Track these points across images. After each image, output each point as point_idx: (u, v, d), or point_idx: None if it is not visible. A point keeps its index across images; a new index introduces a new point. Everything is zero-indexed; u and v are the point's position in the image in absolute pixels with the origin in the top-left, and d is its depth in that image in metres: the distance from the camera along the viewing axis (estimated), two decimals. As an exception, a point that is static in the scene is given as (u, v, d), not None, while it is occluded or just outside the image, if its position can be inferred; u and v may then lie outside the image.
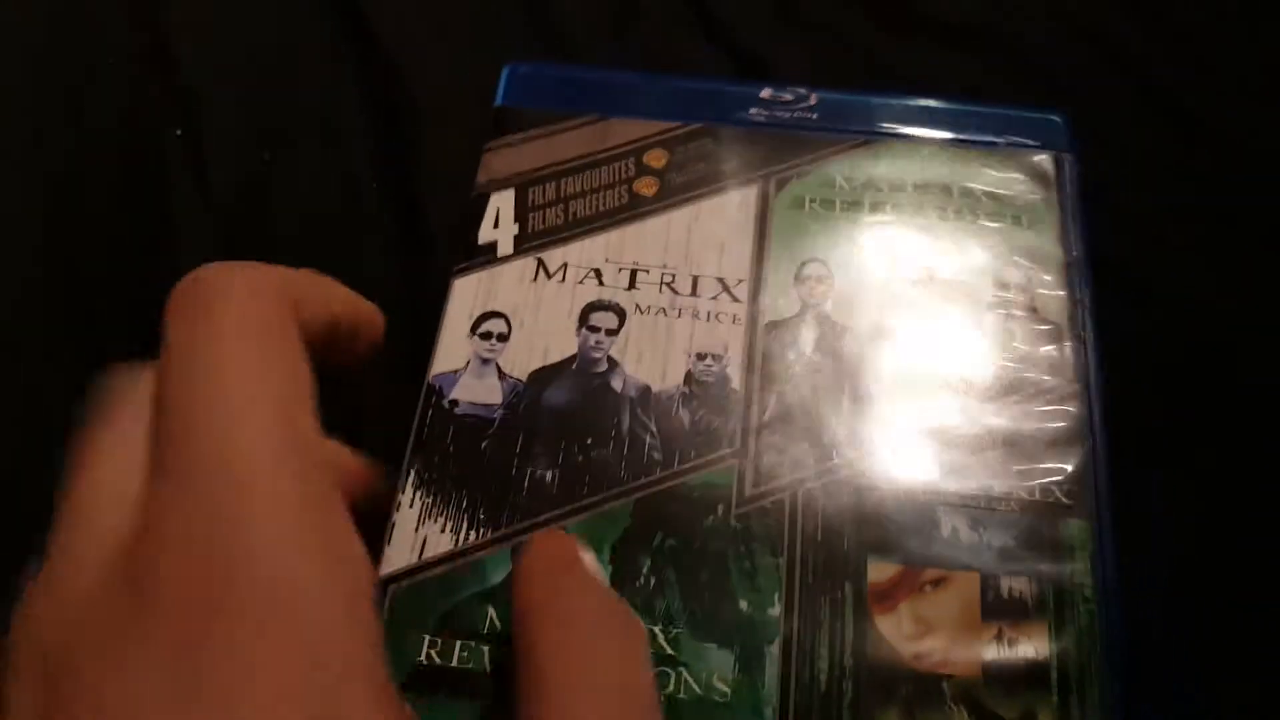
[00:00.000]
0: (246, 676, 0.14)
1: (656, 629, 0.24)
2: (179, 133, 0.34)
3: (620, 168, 0.31)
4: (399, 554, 0.25)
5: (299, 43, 0.37)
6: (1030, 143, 0.31)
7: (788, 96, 0.32)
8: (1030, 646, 0.23)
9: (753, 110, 0.32)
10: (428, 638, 0.24)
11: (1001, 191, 0.30)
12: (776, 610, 0.24)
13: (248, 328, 0.17)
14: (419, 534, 0.25)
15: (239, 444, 0.16)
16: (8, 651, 0.15)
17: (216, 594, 0.14)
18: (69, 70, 0.37)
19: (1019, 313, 0.28)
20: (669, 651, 0.23)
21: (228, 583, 0.14)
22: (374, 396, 0.29)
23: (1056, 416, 0.26)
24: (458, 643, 0.24)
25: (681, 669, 0.23)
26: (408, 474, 0.26)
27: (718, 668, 0.23)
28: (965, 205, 0.30)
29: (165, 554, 0.15)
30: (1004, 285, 0.28)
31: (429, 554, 0.25)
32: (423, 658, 0.23)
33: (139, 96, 0.36)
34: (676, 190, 0.30)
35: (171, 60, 0.36)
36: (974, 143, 0.31)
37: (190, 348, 0.17)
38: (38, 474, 0.29)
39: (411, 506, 0.26)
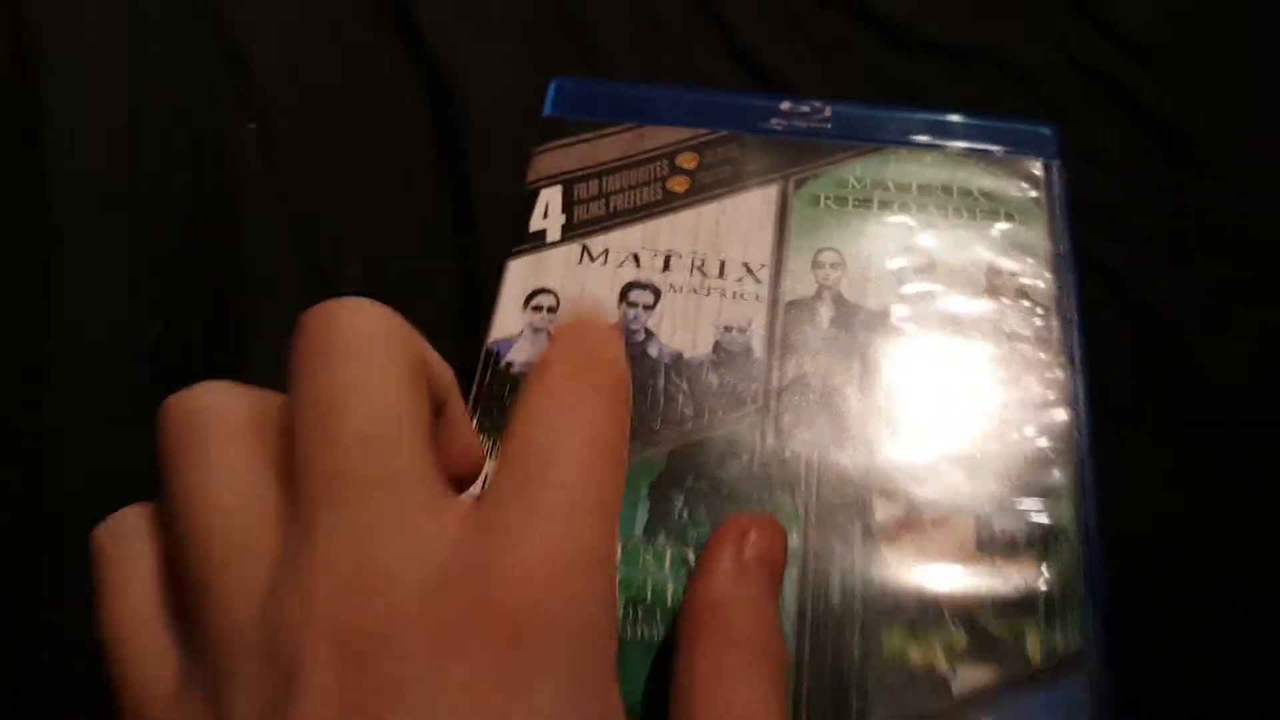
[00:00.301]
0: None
1: (690, 553, 0.27)
2: (253, 126, 0.38)
3: (655, 168, 0.35)
4: (471, 490, 0.28)
5: (358, 51, 0.41)
6: (1023, 151, 0.34)
7: (805, 109, 0.36)
8: (1020, 577, 0.27)
9: (774, 120, 0.36)
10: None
11: (996, 192, 0.33)
12: (795, 542, 0.27)
13: (409, 370, 0.19)
14: (484, 471, 0.28)
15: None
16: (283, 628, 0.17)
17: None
18: (147, 72, 0.41)
19: (1010, 296, 0.31)
20: (701, 576, 0.27)
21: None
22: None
23: (1045, 384, 0.30)
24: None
25: (712, 590, 0.26)
26: (473, 422, 0.29)
27: (744, 589, 0.26)
28: (963, 204, 0.33)
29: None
30: (997, 272, 0.32)
31: (488, 491, 0.28)
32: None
33: (213, 97, 0.40)
34: (706, 188, 0.34)
35: (243, 63, 0.40)
36: (972, 150, 0.34)
37: (362, 381, 0.19)
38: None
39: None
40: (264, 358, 0.33)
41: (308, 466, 0.18)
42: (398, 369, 0.19)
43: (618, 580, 0.26)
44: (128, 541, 0.20)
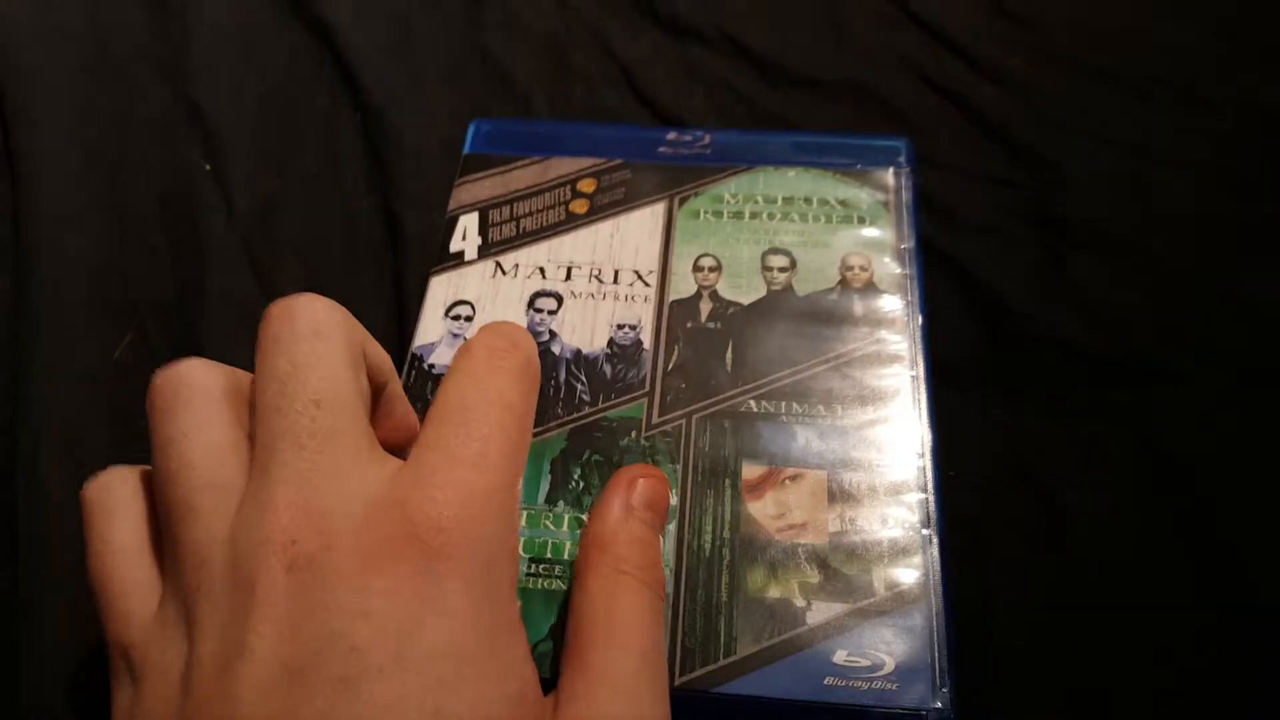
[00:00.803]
0: None
1: (583, 516, 0.31)
2: (208, 167, 0.43)
3: (560, 193, 0.40)
4: (387, 473, 0.33)
5: (300, 94, 0.46)
6: (877, 163, 0.40)
7: (688, 137, 0.41)
8: (867, 523, 0.31)
9: (661, 148, 0.41)
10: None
11: (851, 200, 0.38)
12: (674, 500, 0.31)
13: (351, 352, 0.24)
14: (403, 458, 0.33)
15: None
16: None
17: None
18: (111, 118, 0.45)
19: (860, 285, 0.36)
20: (592, 533, 0.31)
21: None
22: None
23: (890, 357, 0.34)
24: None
25: (601, 544, 0.31)
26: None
27: (628, 541, 0.31)
28: (822, 211, 0.38)
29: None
30: (849, 267, 0.37)
31: (410, 472, 0.33)
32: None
33: (174, 139, 0.44)
34: (603, 208, 0.39)
35: (196, 107, 0.45)
36: (832, 164, 0.39)
37: (313, 358, 0.23)
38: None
39: (397, 441, 0.33)
40: (217, 356, 0.37)
41: (267, 424, 0.22)
42: (342, 350, 0.24)
43: (519, 526, 0.31)
44: (112, 492, 0.24)
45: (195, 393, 0.24)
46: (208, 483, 0.22)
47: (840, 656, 0.28)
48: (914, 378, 0.34)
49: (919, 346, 0.35)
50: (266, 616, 0.20)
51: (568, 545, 0.31)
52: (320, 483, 0.21)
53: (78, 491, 0.35)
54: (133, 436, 0.36)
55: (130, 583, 0.23)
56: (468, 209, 0.40)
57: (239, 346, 0.38)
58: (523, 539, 0.31)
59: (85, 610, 0.31)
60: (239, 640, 0.20)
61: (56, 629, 0.32)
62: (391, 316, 0.38)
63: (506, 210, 0.39)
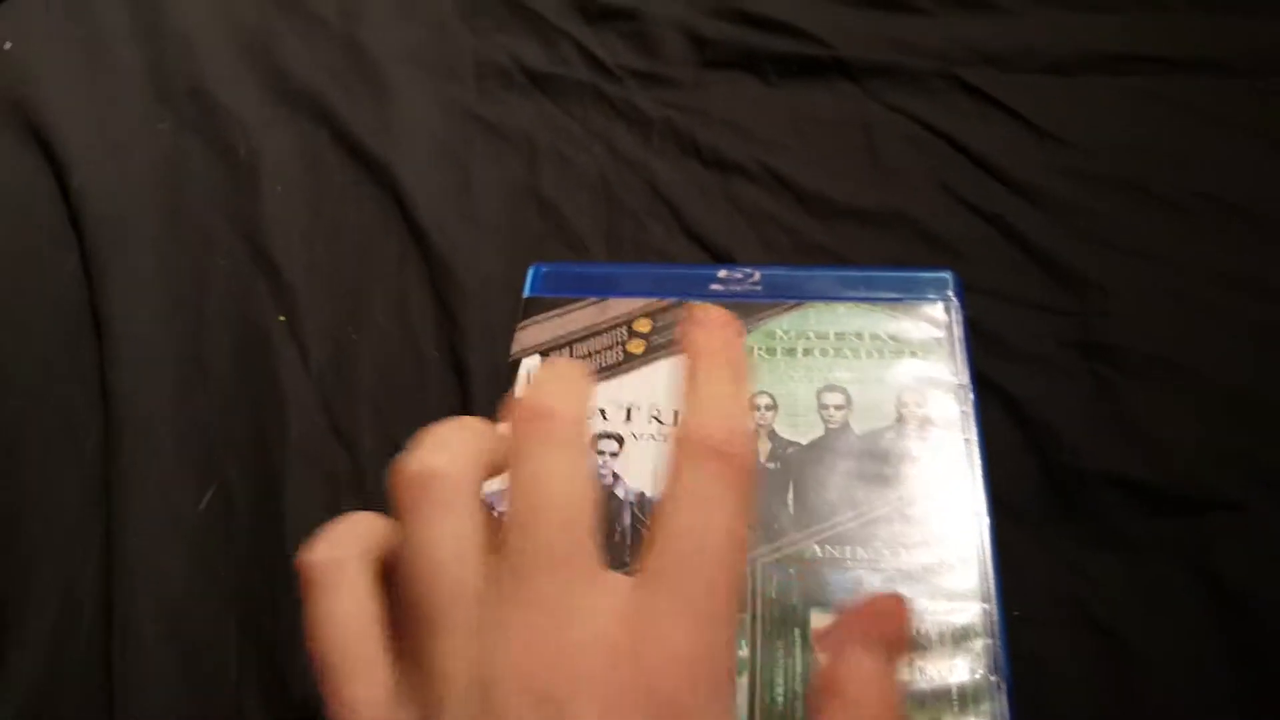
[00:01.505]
0: None
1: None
2: (282, 319, 0.45)
3: (616, 334, 0.41)
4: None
5: (370, 247, 0.48)
6: (925, 294, 0.40)
7: (739, 275, 0.42)
8: (936, 671, 0.31)
9: (713, 286, 0.42)
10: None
11: (902, 334, 0.39)
12: (744, 651, 0.32)
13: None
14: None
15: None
16: None
17: None
18: (192, 276, 0.48)
19: (917, 423, 0.37)
20: (663, 686, 0.31)
21: None
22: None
23: (951, 498, 0.35)
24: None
25: (672, 698, 0.31)
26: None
27: (699, 695, 0.31)
28: (874, 346, 0.39)
29: None
30: (905, 404, 0.37)
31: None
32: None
33: (249, 293, 0.47)
34: (659, 348, 0.40)
35: (270, 260, 0.48)
36: (881, 299, 0.40)
37: (564, 471, 0.23)
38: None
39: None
40: (299, 511, 0.39)
41: (516, 540, 0.22)
42: (584, 460, 0.24)
43: None
44: (339, 568, 0.24)
45: (447, 490, 0.24)
46: (459, 594, 0.22)
47: (915, 813, 0.28)
48: (975, 515, 0.34)
49: (979, 484, 0.35)
50: None
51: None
52: (566, 616, 0.21)
53: (167, 638, 0.37)
54: (212, 583, 0.38)
55: (363, 661, 0.23)
56: (529, 352, 0.41)
57: (318, 493, 0.40)
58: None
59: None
60: None
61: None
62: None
63: (566, 353, 0.41)
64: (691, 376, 0.25)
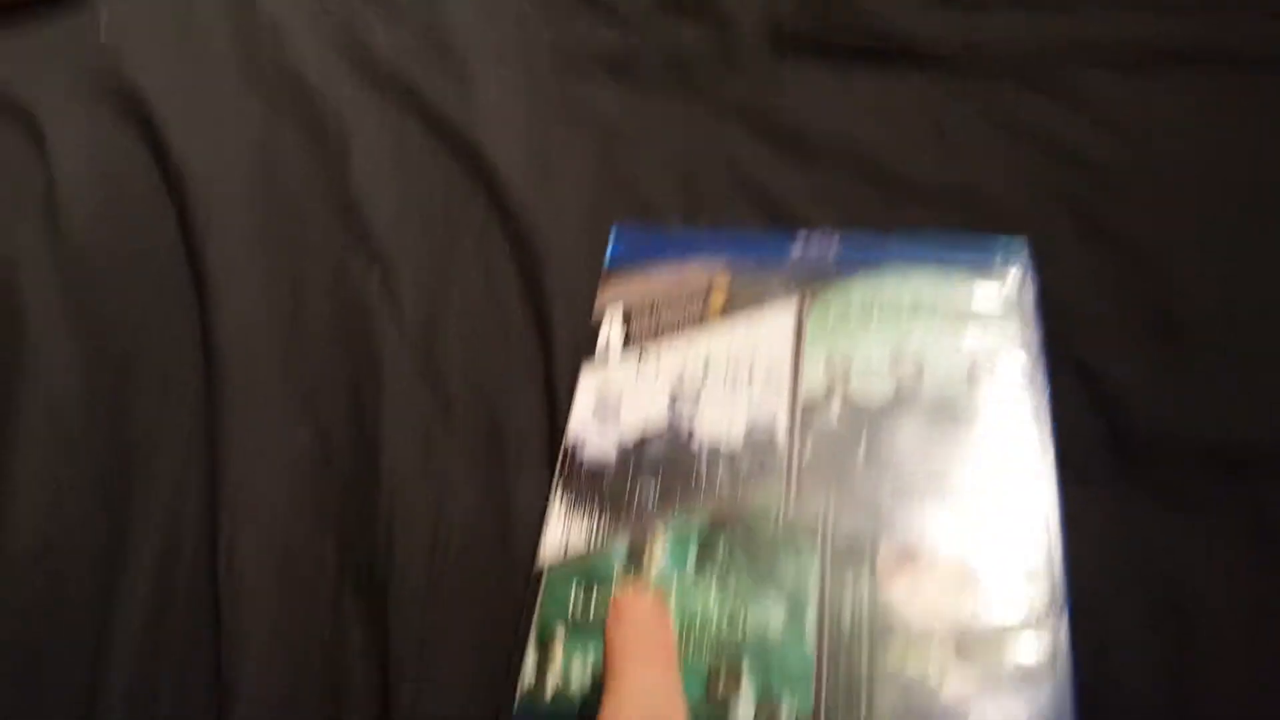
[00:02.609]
0: None
1: (729, 593, 0.34)
2: (377, 284, 0.48)
3: (696, 295, 0.43)
4: (552, 549, 0.36)
5: (456, 211, 0.51)
6: (999, 262, 0.42)
7: (817, 240, 0.44)
8: (998, 602, 0.33)
9: (792, 250, 0.44)
10: (573, 597, 0.35)
11: (976, 299, 0.41)
12: (814, 580, 0.34)
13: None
14: (565, 537, 0.36)
15: None
16: None
17: None
18: (288, 238, 0.51)
19: (988, 384, 0.39)
20: (738, 607, 0.34)
21: None
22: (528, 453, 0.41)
23: (1017, 455, 0.37)
24: (593, 599, 0.34)
25: (748, 618, 0.33)
26: (555, 502, 0.37)
27: (772, 616, 0.33)
28: (948, 311, 0.41)
29: None
30: (976, 366, 0.39)
31: (572, 549, 0.36)
32: (570, 611, 0.34)
33: (343, 256, 0.50)
34: (737, 308, 0.43)
35: (365, 231, 0.51)
36: (955, 264, 0.42)
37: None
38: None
39: (559, 521, 0.37)
40: (395, 448, 0.41)
41: None
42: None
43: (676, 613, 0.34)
44: None
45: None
46: None
47: (976, 728, 0.30)
48: (1041, 473, 0.36)
49: (1046, 442, 0.37)
50: None
51: (715, 616, 0.34)
52: None
53: (269, 559, 0.40)
54: (312, 512, 0.41)
55: None
56: (613, 309, 0.44)
57: (412, 440, 0.43)
58: (673, 608, 0.34)
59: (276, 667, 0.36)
60: None
61: (253, 684, 0.36)
62: (545, 413, 0.42)
63: (647, 312, 0.43)
64: (612, 672, 0.27)
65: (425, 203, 0.53)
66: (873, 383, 0.39)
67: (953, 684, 0.31)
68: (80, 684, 0.36)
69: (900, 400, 0.39)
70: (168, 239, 0.52)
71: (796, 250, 0.44)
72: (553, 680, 0.33)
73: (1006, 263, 0.42)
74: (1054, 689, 0.31)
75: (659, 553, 0.35)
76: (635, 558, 0.36)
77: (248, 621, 0.37)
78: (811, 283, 0.43)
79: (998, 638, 0.32)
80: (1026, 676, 0.31)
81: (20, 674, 0.37)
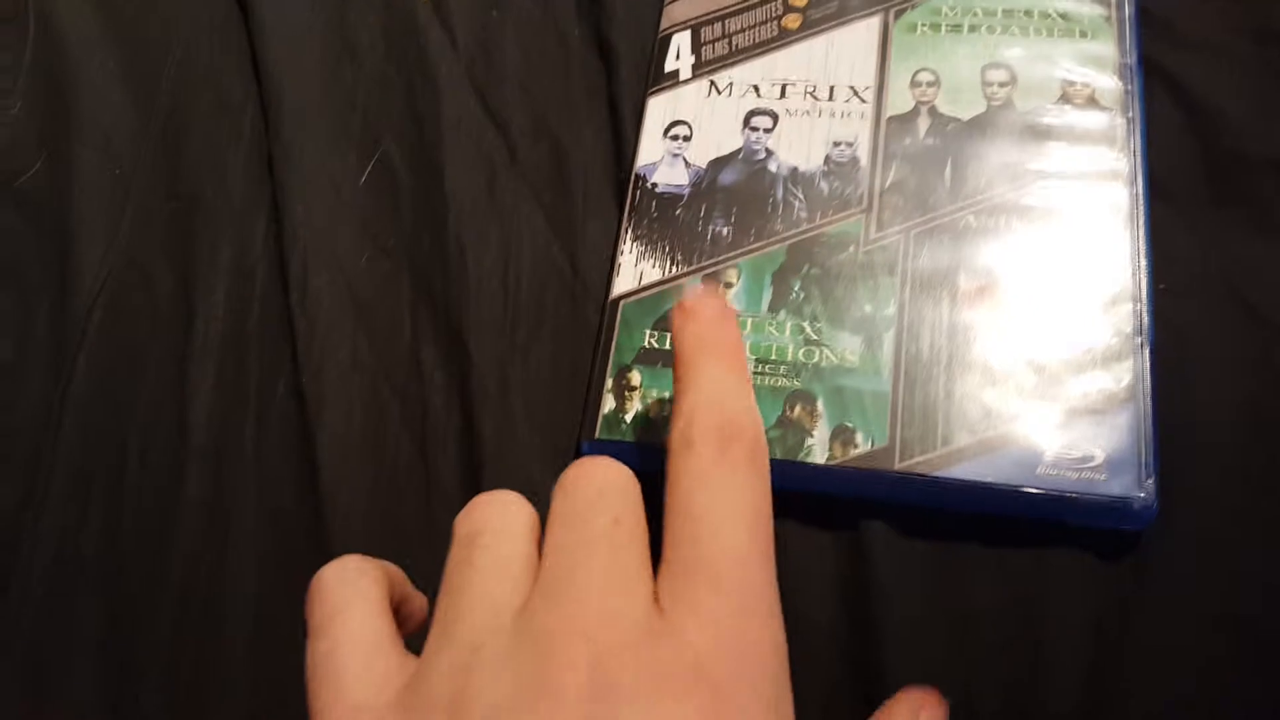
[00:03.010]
0: None
1: (805, 324, 0.34)
2: (427, 1, 0.45)
3: (771, 8, 0.40)
4: (625, 282, 0.36)
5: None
6: (1101, -28, 0.38)
7: (904, -54, 0.40)
8: (1082, 333, 0.32)
9: (877, -42, 0.40)
10: (648, 331, 0.35)
11: (1071, 13, 0.38)
12: (892, 309, 0.34)
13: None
14: (637, 269, 0.36)
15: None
16: None
17: None
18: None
19: (1081, 102, 0.36)
20: (814, 338, 0.34)
21: None
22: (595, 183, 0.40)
23: (1107, 175, 0.35)
24: (668, 334, 0.35)
25: (824, 348, 0.33)
26: (625, 234, 0.37)
27: (849, 346, 0.33)
28: (1043, 24, 0.38)
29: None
30: (1070, 83, 0.36)
31: (645, 281, 0.36)
32: (645, 344, 0.35)
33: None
34: (815, 23, 0.39)
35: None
36: (1053, -27, 0.38)
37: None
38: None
39: (630, 253, 0.36)
40: (460, 180, 0.40)
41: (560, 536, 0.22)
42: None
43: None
44: (353, 583, 0.23)
45: (492, 534, 0.24)
46: (499, 574, 0.22)
47: (1053, 449, 0.31)
48: (1132, 194, 0.34)
49: (1138, 162, 0.35)
50: (565, 699, 0.19)
51: (790, 348, 0.34)
52: (611, 590, 0.21)
53: (342, 296, 0.40)
54: (381, 247, 0.40)
55: (372, 670, 0.22)
56: (680, 28, 0.41)
57: (475, 166, 0.42)
58: (748, 343, 0.34)
59: (357, 398, 0.37)
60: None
61: (336, 418, 0.37)
62: (609, 138, 0.41)
63: (718, 27, 0.40)
64: (685, 371, 0.25)
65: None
66: (962, 99, 0.37)
67: (1034, 405, 0.32)
68: (164, 423, 0.38)
69: (990, 118, 0.36)
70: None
71: (884, -44, 0.40)
72: (632, 408, 0.34)
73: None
74: (1133, 416, 0.31)
75: (733, 291, 0.35)
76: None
77: (326, 355, 0.38)
78: (897, -6, 0.39)
79: (1079, 366, 0.32)
80: (1107, 404, 0.31)
81: (105, 423, 0.38)
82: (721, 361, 0.25)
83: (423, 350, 0.38)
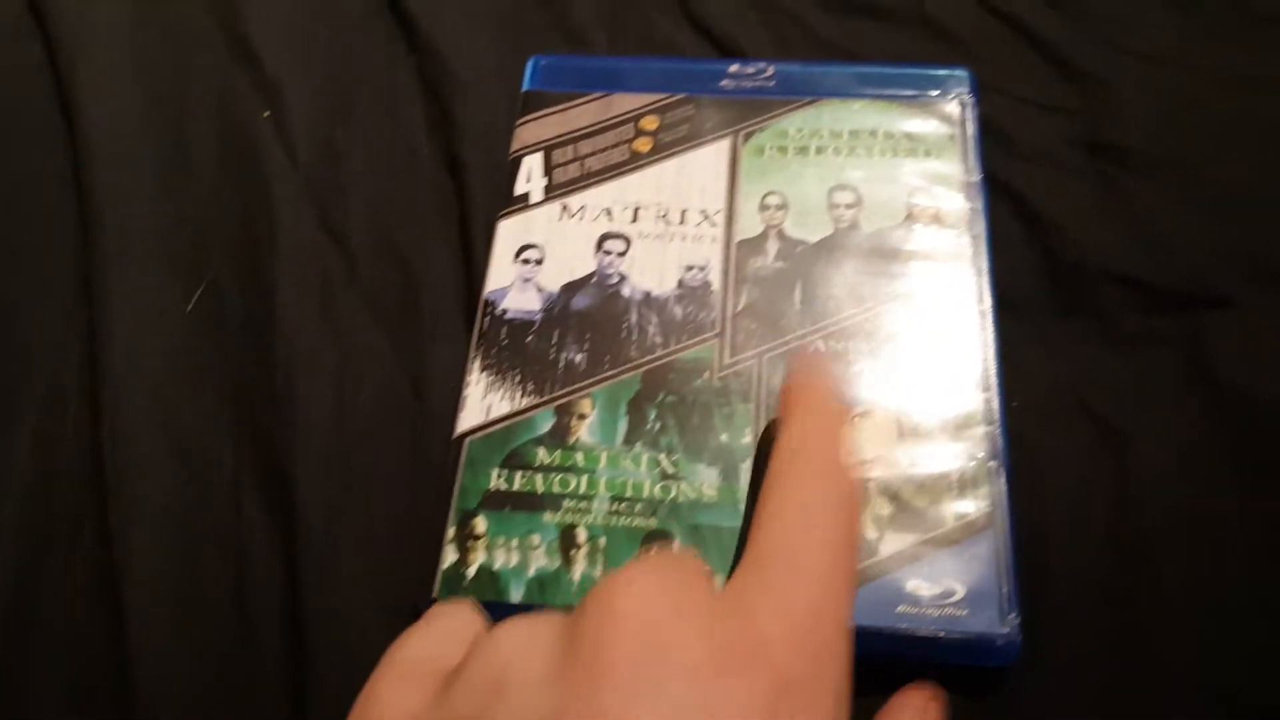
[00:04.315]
0: None
1: (661, 456, 0.33)
2: (267, 114, 0.43)
3: (622, 131, 0.40)
4: (471, 416, 0.34)
5: (356, 38, 0.46)
6: (940, 93, 0.39)
7: (751, 70, 0.40)
8: (936, 457, 0.32)
9: (724, 81, 0.40)
10: (495, 471, 0.33)
11: (915, 132, 0.38)
12: (748, 438, 0.33)
13: None
14: (485, 401, 0.34)
15: None
16: None
17: None
18: (170, 69, 0.45)
19: (927, 221, 0.36)
20: (670, 471, 0.32)
21: None
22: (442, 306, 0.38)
23: (955, 294, 0.35)
24: (518, 473, 0.33)
25: (680, 482, 0.32)
26: (473, 361, 0.35)
27: (706, 479, 0.32)
28: (888, 145, 0.38)
29: None
30: (915, 201, 0.37)
31: (493, 414, 0.34)
32: (492, 485, 0.33)
33: (230, 87, 0.45)
34: (667, 146, 0.39)
35: (253, 52, 0.45)
36: (896, 96, 0.39)
37: None
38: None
39: (478, 384, 0.35)
40: (292, 307, 0.38)
41: None
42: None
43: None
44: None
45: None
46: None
47: (912, 585, 0.30)
48: (980, 312, 0.35)
49: (985, 279, 0.35)
50: (615, 686, 0.17)
51: (647, 484, 0.32)
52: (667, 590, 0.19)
53: (158, 431, 0.37)
54: (204, 379, 0.38)
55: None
56: (531, 149, 0.40)
57: (310, 290, 0.40)
58: (603, 479, 0.32)
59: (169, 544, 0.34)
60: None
61: (146, 564, 0.34)
62: (459, 261, 0.39)
63: (570, 150, 0.40)
64: (792, 423, 0.23)
65: (322, 18, 0.47)
66: (809, 222, 0.37)
67: (891, 539, 0.31)
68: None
69: (838, 240, 0.36)
70: (31, 62, 0.46)
71: (729, 81, 0.40)
72: (475, 560, 0.32)
73: (948, 93, 0.39)
74: (993, 545, 0.30)
75: (586, 423, 0.34)
76: (560, 430, 0.34)
77: (138, 495, 0.35)
78: (745, 117, 0.39)
79: (936, 489, 0.31)
80: (965, 534, 0.31)
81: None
82: (827, 420, 0.23)
83: (244, 492, 0.35)
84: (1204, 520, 0.32)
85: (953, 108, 0.39)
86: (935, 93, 0.39)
